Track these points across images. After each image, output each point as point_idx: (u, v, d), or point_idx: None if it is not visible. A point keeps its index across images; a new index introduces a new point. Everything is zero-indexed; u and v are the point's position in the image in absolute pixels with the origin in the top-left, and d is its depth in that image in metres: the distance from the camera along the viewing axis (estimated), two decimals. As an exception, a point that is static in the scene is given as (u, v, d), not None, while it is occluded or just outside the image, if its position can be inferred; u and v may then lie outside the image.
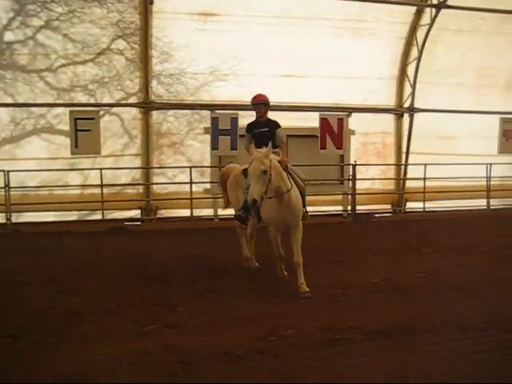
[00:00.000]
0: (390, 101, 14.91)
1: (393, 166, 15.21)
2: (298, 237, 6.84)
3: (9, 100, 12.84)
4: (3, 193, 12.19)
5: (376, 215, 14.03)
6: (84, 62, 13.09)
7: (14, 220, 12.41)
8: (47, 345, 4.98)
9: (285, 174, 6.77)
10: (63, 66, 13.00)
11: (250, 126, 7.75)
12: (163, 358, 4.65)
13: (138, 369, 4.43)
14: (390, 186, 15.24)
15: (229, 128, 12.88)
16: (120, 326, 5.46)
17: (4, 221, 12.30)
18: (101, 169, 12.57)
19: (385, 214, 14.57)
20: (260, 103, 7.66)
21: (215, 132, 12.91)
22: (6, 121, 12.79)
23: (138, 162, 13.52)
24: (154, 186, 13.61)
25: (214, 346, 4.89)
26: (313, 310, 6.02)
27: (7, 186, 12.13)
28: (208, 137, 13.19)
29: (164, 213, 13.68)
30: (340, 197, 14.34)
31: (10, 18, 12.58)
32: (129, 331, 5.33)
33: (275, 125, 7.63)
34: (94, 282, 7.29)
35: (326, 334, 5.19)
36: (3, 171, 12.07)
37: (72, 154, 12.46)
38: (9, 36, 12.70)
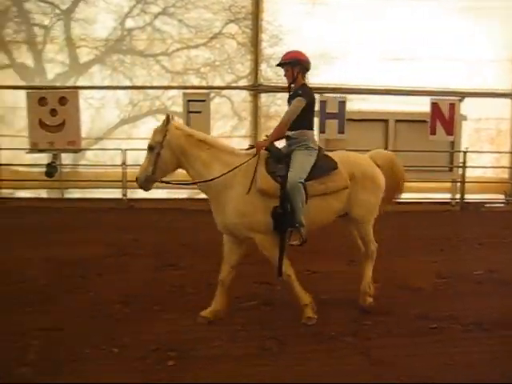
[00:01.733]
0: (506, 85, 14.09)
1: (507, 154, 14.39)
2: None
3: (127, 83, 13.67)
4: (120, 170, 13.02)
5: (486, 205, 13.41)
6: (197, 46, 13.60)
7: (128, 196, 13.22)
8: (153, 312, 5.37)
9: (201, 155, 5.15)
10: (178, 50, 13.59)
11: (288, 97, 5.60)
12: (258, 334, 4.84)
13: (233, 342, 4.65)
14: (504, 174, 14.44)
15: (336, 112, 12.86)
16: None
17: (120, 196, 13.15)
18: (210, 150, 13.01)
19: (496, 204, 13.87)
20: (284, 63, 5.47)
21: (323, 115, 12.93)
22: (124, 102, 13.65)
23: (246, 144, 13.82)
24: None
25: (309, 325, 5.01)
26: (411, 297, 5.95)
27: (124, 163, 12.95)
28: (316, 120, 13.23)
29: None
30: (449, 184, 13.84)
31: (131, 6, 13.33)
32: (229, 305, 5.57)
33: (295, 95, 5.36)
34: (199, 257, 7.64)
35: (422, 322, 5.14)
36: (121, 149, 12.90)
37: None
38: (129, 23, 13.49)
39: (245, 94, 13.78)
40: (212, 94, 13.41)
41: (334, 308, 5.53)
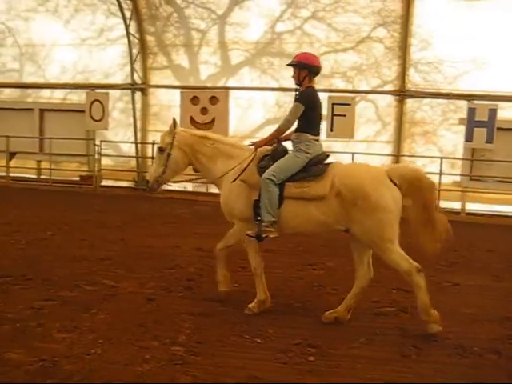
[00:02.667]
0: None
1: None
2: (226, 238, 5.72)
3: (275, 84, 14.12)
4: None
5: None
6: (345, 50, 13.71)
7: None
8: (294, 308, 5.60)
9: (205, 151, 5.60)
10: (325, 53, 13.77)
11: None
12: (397, 340, 4.86)
13: (372, 345, 4.73)
14: None
15: (486, 120, 12.30)
16: (358, 303, 5.80)
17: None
18: (353, 153, 13.06)
19: None
20: (292, 64, 5.45)
21: (471, 123, 12.44)
22: (271, 103, 14.13)
23: (388, 149, 13.73)
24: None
25: (450, 338, 4.94)
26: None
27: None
28: (462, 128, 12.76)
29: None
30: None
31: (283, 10, 13.75)
32: (366, 309, 5.65)
33: (295, 99, 5.39)
34: (337, 258, 7.77)
35: None
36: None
37: (327, 136, 13.20)
38: (279, 27, 13.92)
39: (390, 98, 13.65)
40: (357, 98, 13.44)
41: (476, 323, 5.40)
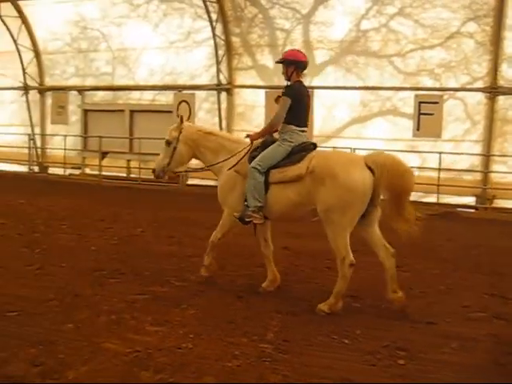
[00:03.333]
0: None
1: None
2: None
3: (359, 83, 13.94)
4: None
5: None
6: (432, 47, 13.33)
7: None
8: (381, 310, 5.50)
9: (209, 145, 6.17)
10: (412, 50, 13.48)
11: None
12: (490, 347, 4.70)
13: (464, 351, 4.57)
14: None
15: None
16: (448, 307, 5.66)
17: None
18: (440, 153, 12.69)
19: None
20: (279, 62, 5.92)
21: None
22: (355, 102, 13.96)
23: (478, 149, 13.23)
24: (493, 175, 13.14)
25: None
26: None
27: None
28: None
29: (501, 203, 13.13)
30: None
31: (368, 7, 13.55)
32: (457, 314, 5.49)
33: (282, 94, 5.75)
34: (425, 261, 7.59)
35: None
36: (350, 148, 13.24)
37: (413, 136, 12.91)
38: (365, 24, 13.72)
39: (480, 96, 13.12)
40: (445, 96, 13.04)
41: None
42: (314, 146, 5.80)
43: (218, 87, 15.05)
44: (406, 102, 13.33)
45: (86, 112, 17.77)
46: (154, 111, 16.53)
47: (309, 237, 9.11)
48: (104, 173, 16.48)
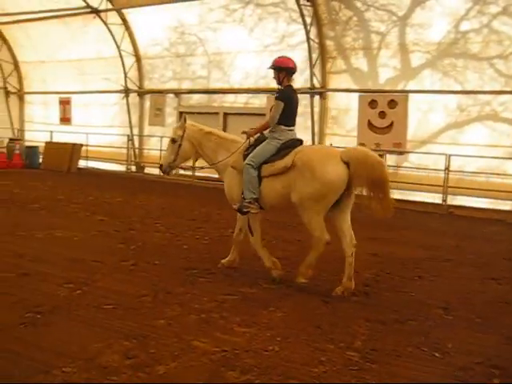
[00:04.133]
0: None
1: None
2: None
3: (457, 87, 13.43)
4: (442, 175, 12.97)
5: None
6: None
7: (448, 202, 13.08)
8: (474, 324, 5.28)
9: (209, 144, 6.87)
10: (516, 52, 12.80)
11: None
12: None
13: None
14: None
15: None
16: None
17: (440, 202, 13.10)
18: None
19: None
20: (271, 68, 6.57)
21: None
22: (452, 107, 13.46)
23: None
24: None
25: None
26: None
27: (447, 168, 12.85)
28: None
29: None
30: None
31: (468, 7, 13.02)
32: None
33: (276, 97, 6.47)
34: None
35: None
36: (445, 154, 12.83)
37: (515, 142, 12.31)
38: (464, 25, 13.19)
39: None
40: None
41: None
42: (301, 142, 6.53)
43: (311, 91, 15.03)
44: (508, 106, 12.70)
45: (181, 114, 18.29)
46: (248, 114, 16.76)
47: (398, 243, 8.95)
48: (197, 174, 16.92)
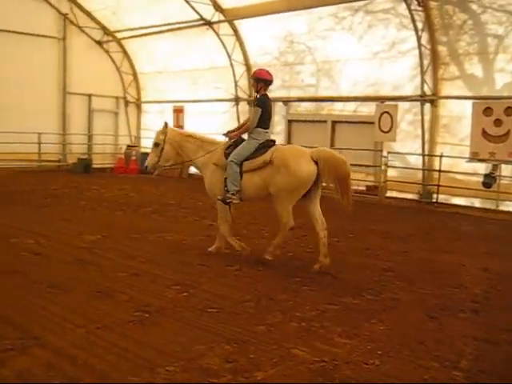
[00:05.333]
0: None
1: None
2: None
3: None
4: None
5: None
6: None
7: None
8: None
9: (189, 146, 7.92)
10: None
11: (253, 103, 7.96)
12: None
13: None
14: None
15: None
16: None
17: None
18: None
19: None
20: (252, 78, 7.79)
21: None
22: None
23: None
24: None
25: None
26: None
27: None
28: None
29: None
30: None
31: None
32: None
33: (254, 104, 7.62)
34: None
35: None
36: None
37: None
38: None
39: None
40: None
41: None
42: (274, 142, 7.61)
43: (421, 98, 14.57)
44: None
45: (290, 122, 18.49)
46: (356, 122, 16.59)
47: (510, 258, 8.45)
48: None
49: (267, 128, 7.57)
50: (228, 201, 7.43)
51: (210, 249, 7.97)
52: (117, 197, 13.91)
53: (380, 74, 15.74)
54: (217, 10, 18.23)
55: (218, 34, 18.78)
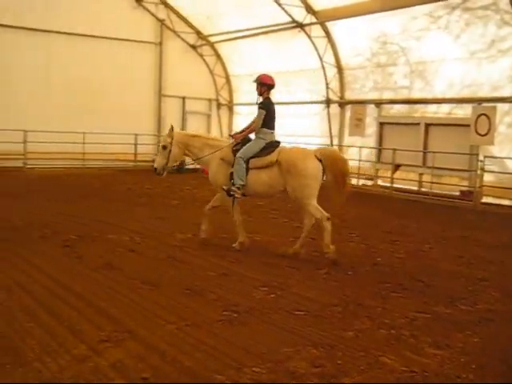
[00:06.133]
0: None
1: None
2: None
3: None
4: None
5: None
6: None
7: None
8: None
9: (196, 145, 8.38)
10: None
11: (258, 106, 8.22)
12: None
13: None
14: None
15: None
16: None
17: None
18: None
19: None
20: (255, 82, 8.24)
21: None
22: None
23: None
24: None
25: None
26: None
27: None
28: None
29: None
30: None
31: None
32: None
33: (259, 107, 8.07)
34: None
35: None
36: None
37: None
38: None
39: None
40: None
41: None
42: (279, 143, 8.08)
43: (522, 98, 13.84)
44: None
45: (381, 125, 18.13)
46: (451, 125, 15.99)
47: None
48: (395, 185, 16.58)
49: (272, 129, 8.10)
50: (232, 193, 7.89)
51: (201, 233, 8.55)
52: (208, 197, 14.07)
53: (477, 74, 15.07)
54: (309, 12, 18.20)
55: (309, 36, 18.75)
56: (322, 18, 18.18)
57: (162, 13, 21.96)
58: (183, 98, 23.00)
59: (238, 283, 6.43)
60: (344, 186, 7.70)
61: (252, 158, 7.87)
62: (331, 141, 19.56)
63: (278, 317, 5.29)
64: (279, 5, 18.03)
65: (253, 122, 8.24)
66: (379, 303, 5.87)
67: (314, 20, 18.34)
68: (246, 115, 23.77)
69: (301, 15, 18.26)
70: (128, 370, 4.01)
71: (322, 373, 4.05)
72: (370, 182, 18.11)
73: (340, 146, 19.44)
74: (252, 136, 8.22)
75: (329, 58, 18.97)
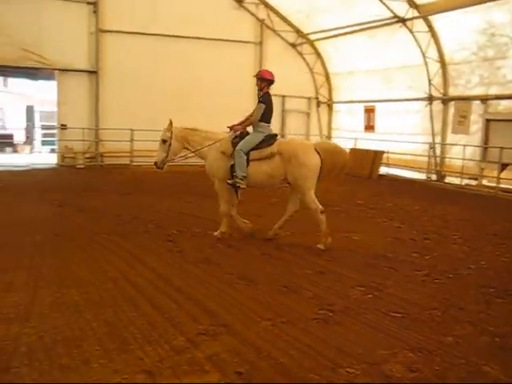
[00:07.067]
0: None
1: None
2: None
3: None
4: None
5: None
6: None
7: None
8: None
9: (195, 139, 8.69)
10: None
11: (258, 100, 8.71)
12: None
13: None
14: None
15: None
16: None
17: None
18: None
19: None
20: (256, 77, 8.64)
21: None
22: None
23: None
24: None
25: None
26: None
27: None
28: None
29: None
30: None
31: None
32: None
33: (259, 101, 8.54)
34: None
35: None
36: None
37: None
38: None
39: None
40: None
41: None
42: (276, 135, 8.55)
43: None
44: None
45: (487, 122, 17.25)
46: None
47: None
48: (502, 185, 15.73)
49: (269, 122, 8.53)
50: (237, 185, 8.22)
51: (215, 233, 8.62)
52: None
53: None
54: (411, 6, 17.65)
55: (411, 31, 18.20)
56: (425, 12, 17.56)
57: (262, 12, 22.19)
58: (283, 97, 23.07)
59: (334, 282, 6.39)
60: (340, 173, 8.38)
61: (252, 150, 8.22)
62: (433, 139, 18.90)
63: (374, 318, 5.21)
64: (380, 0, 17.66)
65: (251, 115, 8.60)
66: (482, 308, 5.62)
67: (417, 14, 17.78)
68: (345, 113, 23.57)
69: (402, 10, 17.76)
70: (224, 363, 4.10)
71: (419, 378, 3.94)
72: (474, 182, 17.32)
73: (443, 144, 18.76)
74: (250, 129, 8.59)
75: (431, 53, 18.31)
